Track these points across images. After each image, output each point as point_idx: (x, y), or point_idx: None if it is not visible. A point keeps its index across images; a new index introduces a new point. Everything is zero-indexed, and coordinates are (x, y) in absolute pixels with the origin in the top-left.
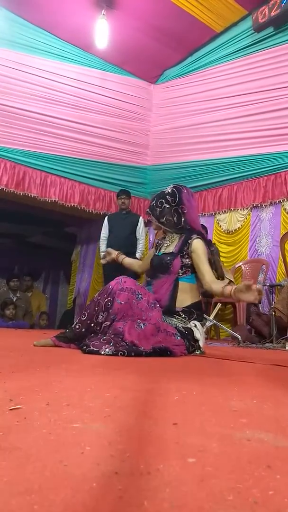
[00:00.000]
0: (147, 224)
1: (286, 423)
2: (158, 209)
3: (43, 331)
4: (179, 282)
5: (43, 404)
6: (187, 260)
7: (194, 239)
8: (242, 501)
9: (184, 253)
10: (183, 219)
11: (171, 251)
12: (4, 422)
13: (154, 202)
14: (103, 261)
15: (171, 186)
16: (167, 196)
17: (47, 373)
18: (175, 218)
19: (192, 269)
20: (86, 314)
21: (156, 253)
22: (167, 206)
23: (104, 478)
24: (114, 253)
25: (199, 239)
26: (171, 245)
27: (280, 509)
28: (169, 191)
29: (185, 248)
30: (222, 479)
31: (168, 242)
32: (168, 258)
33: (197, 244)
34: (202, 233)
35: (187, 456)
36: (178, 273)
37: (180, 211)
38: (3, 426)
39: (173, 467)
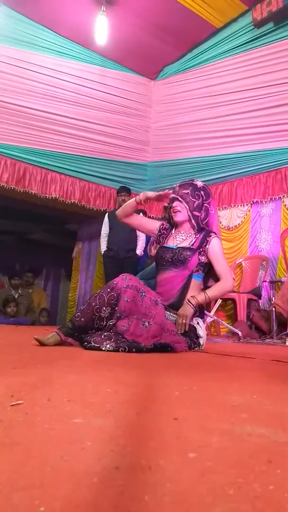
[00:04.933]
0: None
1: (286, 418)
2: (195, 201)
3: (44, 327)
4: (192, 279)
5: (44, 399)
6: (203, 257)
7: (213, 237)
8: (242, 496)
9: (201, 250)
10: (208, 218)
11: (188, 246)
12: (6, 418)
13: (188, 191)
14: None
15: (200, 182)
16: (201, 191)
17: (48, 369)
18: (203, 215)
19: (203, 269)
20: (87, 306)
21: (165, 245)
22: (201, 200)
23: (105, 473)
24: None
25: (217, 238)
26: (186, 240)
27: (280, 503)
28: (201, 185)
29: (204, 245)
30: (222, 474)
31: (183, 236)
32: (188, 253)
33: (214, 245)
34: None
35: (188, 451)
36: (193, 270)
37: (208, 209)
38: (5, 422)
39: (174, 462)
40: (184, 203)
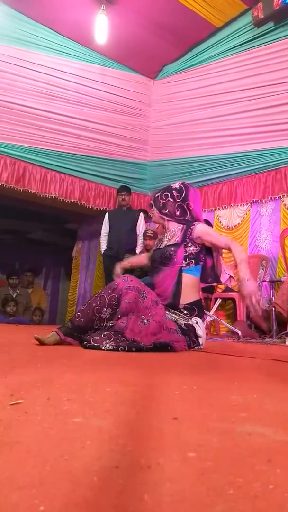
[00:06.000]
0: (147, 219)
1: (286, 417)
2: (161, 200)
3: (43, 326)
4: (183, 274)
5: (44, 399)
6: (191, 248)
7: (197, 224)
8: (242, 495)
9: (188, 241)
10: (188, 214)
11: (173, 242)
12: (5, 417)
13: (158, 194)
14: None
15: (180, 182)
16: (173, 191)
17: (48, 368)
18: (177, 213)
19: (196, 260)
20: (88, 306)
21: (157, 248)
22: (171, 200)
23: (104, 472)
24: (119, 268)
25: (201, 224)
26: (172, 239)
27: (280, 503)
28: (177, 187)
29: (188, 235)
30: (222, 473)
31: (169, 236)
32: (172, 248)
33: (201, 227)
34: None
35: (188, 450)
36: (182, 264)
37: (185, 207)
38: (4, 421)
39: (174, 461)
40: (153, 206)
